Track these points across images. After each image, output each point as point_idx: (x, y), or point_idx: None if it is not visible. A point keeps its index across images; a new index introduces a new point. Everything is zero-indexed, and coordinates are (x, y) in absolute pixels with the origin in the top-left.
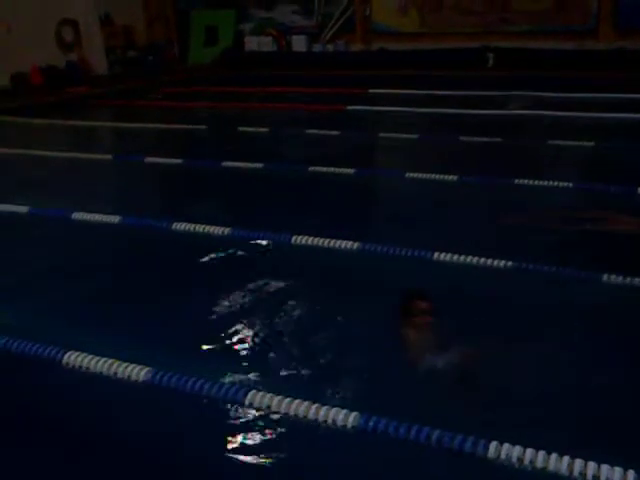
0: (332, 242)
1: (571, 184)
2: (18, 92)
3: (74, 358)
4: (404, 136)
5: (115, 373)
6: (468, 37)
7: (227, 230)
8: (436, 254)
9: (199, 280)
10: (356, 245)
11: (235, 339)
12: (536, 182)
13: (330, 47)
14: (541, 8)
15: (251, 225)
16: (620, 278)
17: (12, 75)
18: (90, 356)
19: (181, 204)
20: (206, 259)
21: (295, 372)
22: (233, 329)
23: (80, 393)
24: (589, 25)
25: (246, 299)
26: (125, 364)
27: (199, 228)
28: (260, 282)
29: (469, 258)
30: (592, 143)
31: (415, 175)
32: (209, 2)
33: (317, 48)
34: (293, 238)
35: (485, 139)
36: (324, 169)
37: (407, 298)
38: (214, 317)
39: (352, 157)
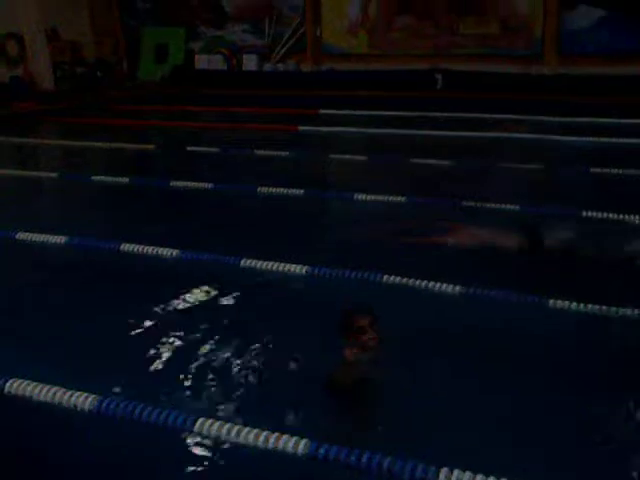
0: (281, 265)
1: (518, 207)
2: None
3: (16, 386)
4: (354, 157)
5: (60, 402)
6: (417, 59)
7: (175, 252)
8: (385, 276)
9: (147, 303)
10: (305, 269)
11: (183, 365)
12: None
13: (281, 67)
14: (488, 32)
15: (200, 247)
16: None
17: None
18: (34, 384)
19: (129, 225)
20: (154, 282)
21: (245, 399)
22: (182, 355)
23: (23, 422)
24: (534, 50)
25: (195, 323)
26: (70, 392)
27: (147, 250)
28: (209, 306)
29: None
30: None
31: (364, 197)
32: (158, 20)
33: (268, 68)
34: (242, 261)
35: (434, 161)
36: (274, 190)
37: (346, 315)
38: (162, 342)
39: (302, 178)
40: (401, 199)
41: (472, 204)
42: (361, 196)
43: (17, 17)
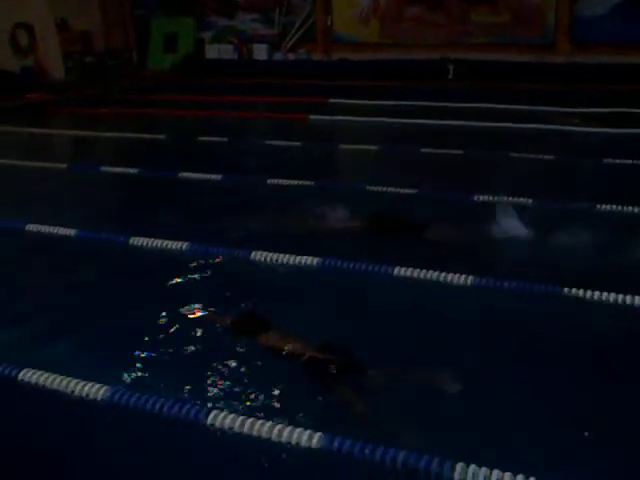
0: (292, 258)
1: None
2: None
3: (30, 375)
4: (365, 147)
5: (72, 391)
6: (429, 48)
7: (185, 245)
8: (397, 269)
9: (157, 296)
10: (316, 261)
11: (196, 357)
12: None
13: (291, 56)
14: (500, 21)
15: (209, 239)
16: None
17: None
18: (47, 374)
19: (138, 216)
20: (164, 274)
21: (258, 392)
22: (194, 347)
23: (36, 411)
24: (547, 39)
25: (206, 316)
26: (83, 382)
27: (157, 242)
28: (220, 299)
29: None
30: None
31: (375, 188)
32: (168, 10)
33: (278, 57)
34: (252, 254)
35: (446, 151)
36: (284, 181)
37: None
38: (174, 334)
39: (313, 168)
40: (413, 191)
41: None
42: (373, 187)
43: (27, 7)
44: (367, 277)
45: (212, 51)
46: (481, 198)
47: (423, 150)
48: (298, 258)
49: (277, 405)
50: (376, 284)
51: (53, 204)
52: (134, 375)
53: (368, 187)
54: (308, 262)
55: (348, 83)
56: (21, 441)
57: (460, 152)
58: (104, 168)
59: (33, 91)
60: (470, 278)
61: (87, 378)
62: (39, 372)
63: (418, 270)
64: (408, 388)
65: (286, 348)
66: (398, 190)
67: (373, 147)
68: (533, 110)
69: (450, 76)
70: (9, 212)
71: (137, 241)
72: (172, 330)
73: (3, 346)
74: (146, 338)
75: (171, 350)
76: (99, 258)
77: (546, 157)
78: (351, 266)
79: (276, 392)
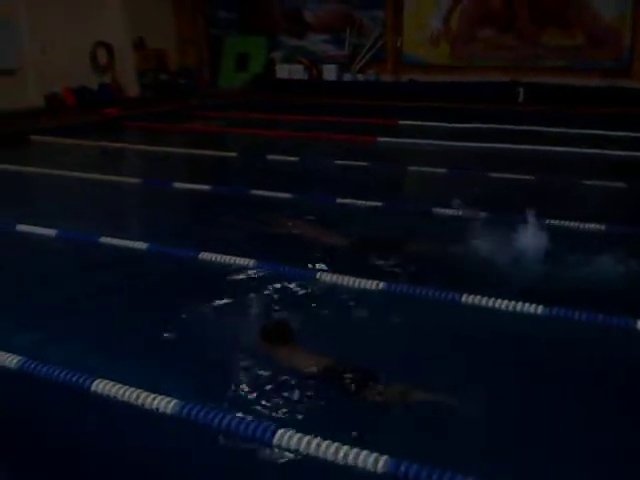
0: (358, 281)
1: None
2: (51, 112)
3: (102, 386)
4: (433, 170)
5: (143, 404)
6: (499, 71)
7: (252, 262)
8: (464, 296)
9: (226, 312)
10: (381, 285)
11: (266, 375)
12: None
13: (360, 77)
14: (573, 44)
15: (277, 257)
16: None
17: (46, 95)
18: (118, 385)
19: (208, 232)
20: (232, 290)
21: (327, 412)
22: (263, 364)
23: (107, 422)
24: (622, 63)
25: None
26: (153, 395)
27: (225, 258)
28: (288, 316)
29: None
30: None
31: (443, 211)
32: (242, 29)
33: (347, 77)
34: (318, 274)
35: (515, 175)
36: (352, 201)
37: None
38: (244, 351)
39: (381, 189)
40: (482, 215)
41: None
42: (441, 210)
43: (108, 27)
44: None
45: (282, 71)
46: (553, 223)
47: (492, 174)
48: (363, 282)
49: (339, 425)
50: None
51: (126, 218)
52: (203, 390)
53: (435, 209)
54: (372, 286)
55: (417, 105)
56: (91, 451)
57: (530, 177)
58: (177, 184)
59: (109, 107)
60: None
61: (157, 391)
62: (111, 383)
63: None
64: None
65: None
66: (469, 213)
67: (441, 170)
68: (606, 135)
69: (520, 99)
70: (84, 225)
71: (206, 256)
72: (235, 346)
73: (79, 356)
74: (211, 353)
75: (240, 366)
76: (168, 272)
77: (617, 185)
78: (423, 292)
79: (337, 411)
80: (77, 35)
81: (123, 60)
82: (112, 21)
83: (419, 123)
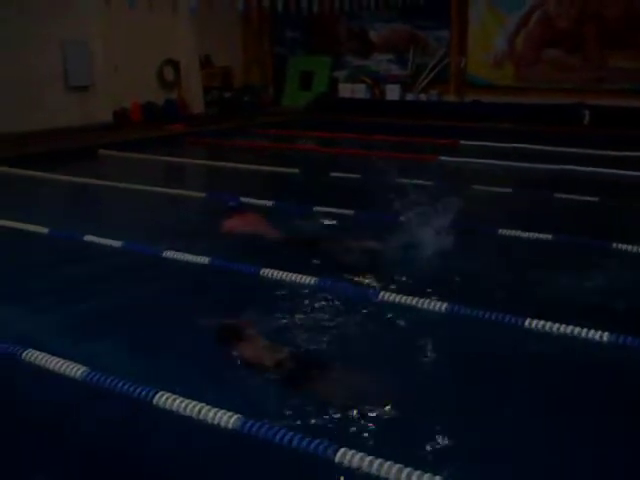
0: (418, 301)
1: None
2: (119, 127)
3: (164, 400)
4: (496, 190)
5: (204, 418)
6: (564, 93)
7: (314, 280)
8: (527, 321)
9: (289, 328)
10: (444, 306)
11: (329, 393)
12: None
13: (423, 97)
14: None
15: (338, 275)
16: None
17: (115, 111)
18: (180, 399)
19: (270, 248)
20: (293, 307)
21: (390, 432)
22: (326, 382)
23: (168, 435)
24: None
25: (337, 352)
26: (215, 409)
27: (286, 275)
28: (349, 334)
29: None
30: None
31: (508, 232)
32: (307, 48)
33: (410, 97)
34: (381, 294)
35: (581, 197)
36: (414, 220)
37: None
38: (301, 368)
39: (444, 209)
40: (547, 236)
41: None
42: (505, 231)
43: (176, 45)
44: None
45: (345, 90)
46: (620, 247)
47: (556, 195)
48: (427, 302)
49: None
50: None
51: (190, 232)
52: (263, 407)
53: (501, 231)
54: (436, 307)
55: (480, 125)
56: (153, 465)
57: (595, 199)
58: (241, 199)
59: (174, 123)
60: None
61: (218, 406)
62: (174, 396)
63: None
64: None
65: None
66: (535, 235)
67: (504, 190)
68: None
69: (586, 121)
70: (148, 237)
71: (267, 273)
72: (303, 365)
73: (143, 368)
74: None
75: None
76: (229, 288)
77: None
78: (482, 314)
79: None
80: (146, 53)
81: (189, 77)
82: (181, 39)
83: (481, 143)
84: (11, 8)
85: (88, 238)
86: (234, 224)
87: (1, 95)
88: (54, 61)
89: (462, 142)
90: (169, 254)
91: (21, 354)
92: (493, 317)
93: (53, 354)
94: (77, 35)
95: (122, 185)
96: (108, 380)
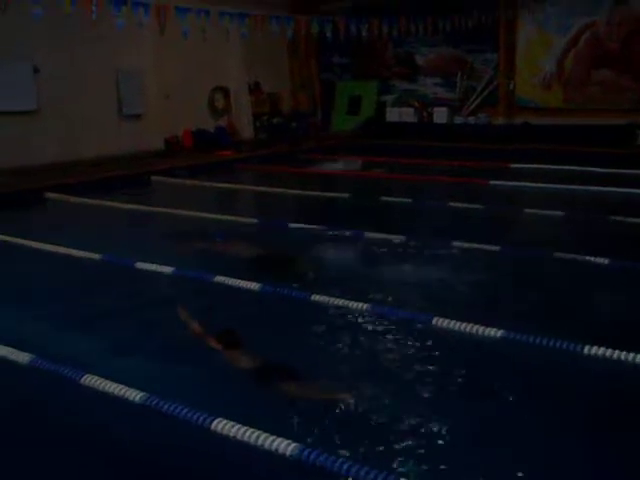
0: (475, 327)
1: None
2: (170, 154)
3: (222, 426)
4: (549, 213)
5: (262, 445)
6: (615, 113)
7: (365, 305)
8: (586, 347)
9: (345, 356)
10: (500, 333)
11: (387, 421)
12: None
13: (472, 120)
14: None
15: (391, 301)
16: None
17: (166, 138)
18: (238, 425)
19: (320, 273)
20: (343, 333)
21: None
22: (388, 410)
23: (226, 462)
24: None
25: (397, 381)
26: (273, 437)
27: (337, 301)
28: (411, 363)
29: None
30: None
31: (563, 255)
32: (354, 73)
33: (458, 120)
34: (434, 320)
35: (636, 220)
36: (468, 244)
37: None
38: (365, 396)
39: (496, 233)
40: (604, 261)
41: None
42: (560, 254)
43: (226, 72)
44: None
45: (393, 114)
46: None
47: (612, 218)
48: (481, 328)
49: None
50: None
51: (242, 257)
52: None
53: (556, 254)
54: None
55: (530, 148)
56: None
57: None
58: (292, 225)
59: (224, 149)
60: None
61: (275, 433)
62: (231, 423)
63: None
64: None
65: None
66: (590, 259)
67: (557, 213)
68: None
69: (639, 142)
70: (199, 263)
71: (318, 298)
72: (364, 392)
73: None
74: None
75: (358, 411)
76: (279, 312)
77: None
78: (539, 341)
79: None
80: (197, 80)
81: (239, 104)
82: (231, 66)
83: (532, 166)
84: (71, 39)
85: (140, 265)
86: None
87: (58, 123)
88: (109, 90)
89: (512, 165)
90: (221, 279)
91: (80, 378)
92: (550, 343)
93: (110, 378)
94: (132, 65)
95: (173, 211)
96: (167, 405)
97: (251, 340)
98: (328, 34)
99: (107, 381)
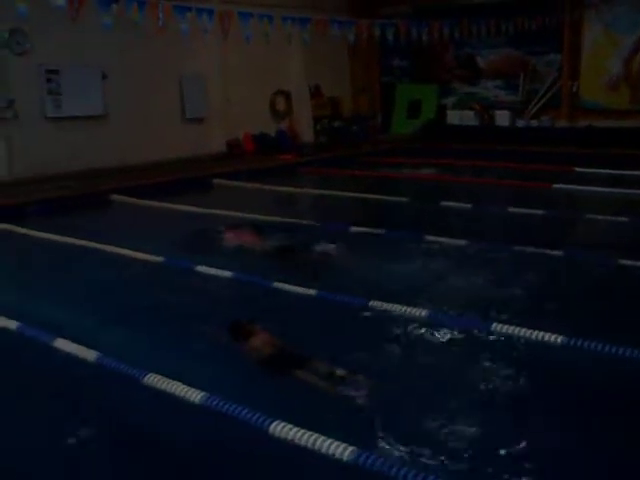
0: (534, 333)
1: None
2: (232, 157)
3: (280, 429)
4: (614, 219)
5: (319, 448)
6: None
7: (424, 312)
8: None
9: (401, 361)
10: (560, 339)
11: (440, 426)
12: None
13: (534, 123)
14: None
15: (448, 308)
16: None
17: (228, 142)
18: (296, 428)
19: (379, 279)
20: (401, 339)
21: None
22: (442, 414)
23: (283, 465)
24: None
25: (452, 389)
26: (329, 440)
27: (395, 307)
28: (462, 367)
29: None
30: None
31: (628, 262)
32: (414, 77)
33: (521, 123)
34: (493, 325)
35: None
36: (529, 249)
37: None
38: (423, 400)
39: (560, 238)
40: None
41: None
42: (626, 262)
43: (287, 76)
44: None
45: (454, 117)
46: None
47: None
48: (540, 334)
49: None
50: None
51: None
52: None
53: (620, 261)
54: (552, 339)
55: (595, 151)
56: None
57: None
58: (353, 228)
59: (285, 152)
60: None
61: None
62: (289, 426)
63: None
64: None
65: None
66: None
67: (622, 219)
68: None
69: None
70: (259, 267)
71: (376, 305)
72: (419, 396)
73: (260, 396)
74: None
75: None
76: (336, 319)
77: None
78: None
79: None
80: (259, 84)
81: (300, 107)
82: (292, 70)
83: (597, 170)
84: (137, 45)
85: (200, 268)
86: None
87: (124, 128)
88: (173, 95)
89: (577, 169)
90: (279, 286)
91: (143, 378)
92: (613, 351)
93: (172, 378)
94: (195, 69)
95: (235, 214)
96: (226, 406)
97: (317, 348)
98: (390, 37)
99: (169, 380)
